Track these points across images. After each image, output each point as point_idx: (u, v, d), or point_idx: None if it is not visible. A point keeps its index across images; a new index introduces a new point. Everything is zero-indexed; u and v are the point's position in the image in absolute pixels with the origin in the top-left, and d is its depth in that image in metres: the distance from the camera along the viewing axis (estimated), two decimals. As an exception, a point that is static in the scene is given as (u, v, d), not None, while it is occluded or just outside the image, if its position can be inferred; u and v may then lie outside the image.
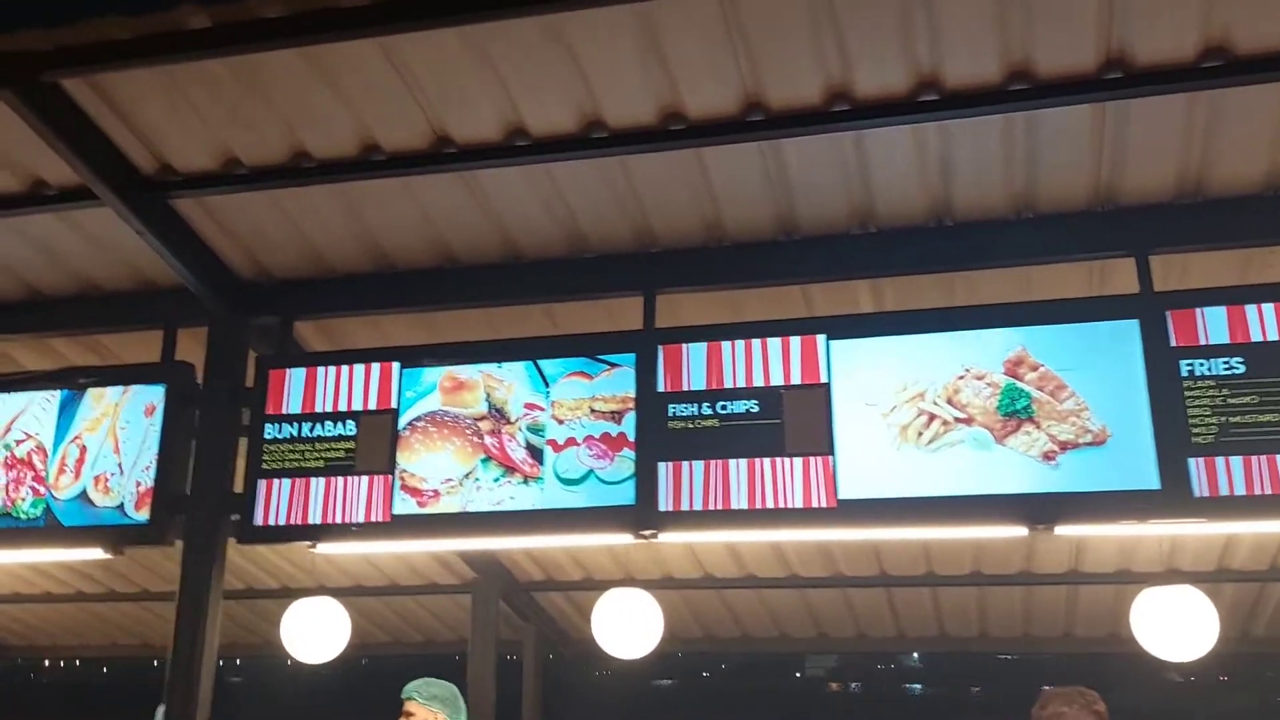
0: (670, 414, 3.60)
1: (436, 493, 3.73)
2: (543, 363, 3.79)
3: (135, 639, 7.80)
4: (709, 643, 7.16)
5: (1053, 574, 5.85)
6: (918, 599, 6.42)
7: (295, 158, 3.55)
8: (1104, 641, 6.52)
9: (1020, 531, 3.25)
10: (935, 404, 3.37)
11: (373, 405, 3.88)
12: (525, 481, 3.68)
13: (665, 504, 3.52)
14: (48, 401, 4.20)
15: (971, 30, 2.94)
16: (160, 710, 4.21)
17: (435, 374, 3.87)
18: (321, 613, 5.80)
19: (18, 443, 4.16)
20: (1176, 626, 4.28)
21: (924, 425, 3.36)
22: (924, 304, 3.77)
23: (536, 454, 3.70)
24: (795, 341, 3.56)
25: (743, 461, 3.48)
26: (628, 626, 5.91)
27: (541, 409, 3.74)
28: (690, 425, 3.57)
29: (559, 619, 7.51)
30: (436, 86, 3.26)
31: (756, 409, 3.52)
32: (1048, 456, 3.26)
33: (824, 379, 3.50)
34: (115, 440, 4.06)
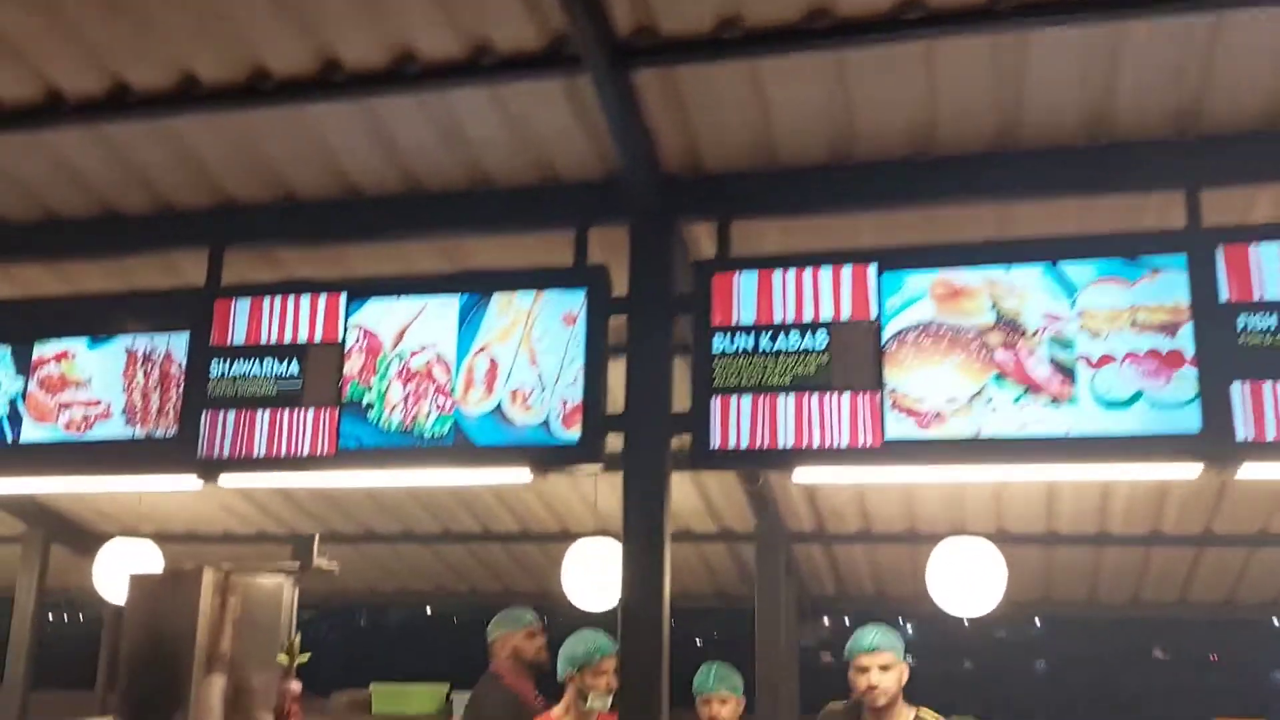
0: (1241, 327, 3.04)
1: (940, 414, 3.21)
2: (1064, 265, 3.23)
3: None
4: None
5: None
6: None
7: (812, 16, 3.00)
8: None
9: None
10: None
11: (845, 315, 3.36)
12: (1054, 403, 3.14)
13: (1244, 433, 2.97)
14: (444, 308, 3.73)
15: None
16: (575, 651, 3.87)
17: (923, 279, 3.33)
18: (603, 555, 5.39)
19: (412, 354, 3.71)
20: None
21: None
22: None
23: (1066, 371, 3.16)
24: None
25: (1352, 383, 2.92)
26: (970, 580, 5.44)
27: (1066, 319, 3.19)
28: (1272, 341, 3.01)
29: (808, 575, 7.09)
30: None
31: (1366, 321, 2.95)
32: None
33: None
34: (531, 351, 3.59)
